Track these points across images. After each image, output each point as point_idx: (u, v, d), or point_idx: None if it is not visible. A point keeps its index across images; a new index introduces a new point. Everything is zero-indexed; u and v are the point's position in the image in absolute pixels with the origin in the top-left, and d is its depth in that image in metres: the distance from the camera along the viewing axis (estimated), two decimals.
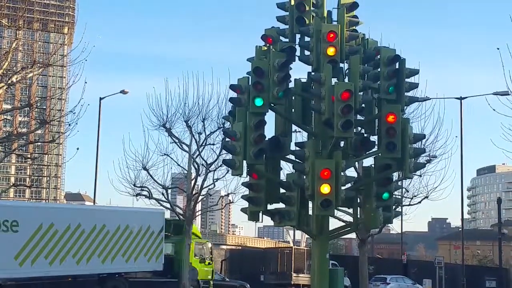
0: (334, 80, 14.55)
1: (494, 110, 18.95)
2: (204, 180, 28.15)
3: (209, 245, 34.67)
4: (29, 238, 24.72)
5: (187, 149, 27.74)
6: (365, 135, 15.75)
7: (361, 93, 14.74)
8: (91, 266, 26.57)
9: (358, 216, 16.26)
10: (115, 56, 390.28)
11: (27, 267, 24.70)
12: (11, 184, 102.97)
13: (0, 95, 22.97)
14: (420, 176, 29.41)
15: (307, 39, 15.32)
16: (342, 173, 14.43)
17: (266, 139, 14.79)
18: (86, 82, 22.96)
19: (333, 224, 17.15)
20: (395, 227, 60.78)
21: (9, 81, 22.18)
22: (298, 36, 15.61)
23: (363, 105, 15.12)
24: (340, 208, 19.18)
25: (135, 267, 28.44)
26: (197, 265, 31.84)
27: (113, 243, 27.17)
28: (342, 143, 15.34)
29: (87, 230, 26.27)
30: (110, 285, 27.71)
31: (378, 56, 15.16)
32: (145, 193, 28.03)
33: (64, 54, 29.09)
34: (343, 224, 21.66)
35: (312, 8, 15.52)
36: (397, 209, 20.53)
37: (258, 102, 14.21)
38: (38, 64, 22.95)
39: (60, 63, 28.70)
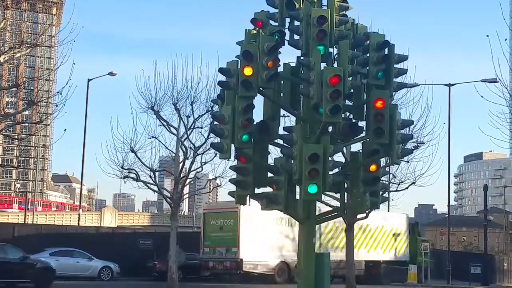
0: (323, 65, 14.55)
1: (482, 97, 19.05)
2: (192, 163, 28.12)
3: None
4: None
5: (175, 132, 27.68)
6: (353, 120, 15.78)
7: (350, 78, 14.74)
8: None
9: (345, 201, 16.34)
10: (104, 37, 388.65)
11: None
12: None
13: None
14: (408, 162, 29.52)
15: (296, 23, 15.29)
16: (329, 158, 14.46)
17: (255, 123, 14.78)
18: (74, 63, 22.81)
19: (320, 208, 17.19)
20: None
21: None
22: (287, 20, 15.58)
23: (352, 90, 15.13)
24: (327, 193, 19.23)
25: (389, 257, 39.81)
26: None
27: (373, 239, 38.58)
28: (330, 128, 15.36)
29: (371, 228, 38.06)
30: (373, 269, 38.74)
31: (368, 42, 15.18)
32: (132, 175, 27.96)
33: (52, 34, 28.84)
34: (330, 208, 21.75)
35: None
36: (384, 195, 20.65)
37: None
38: (26, 45, 22.78)
39: (48, 43, 28.53)
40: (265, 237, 33.40)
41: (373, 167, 15.04)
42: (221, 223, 34.28)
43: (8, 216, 76.94)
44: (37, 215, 76.45)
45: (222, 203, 40.71)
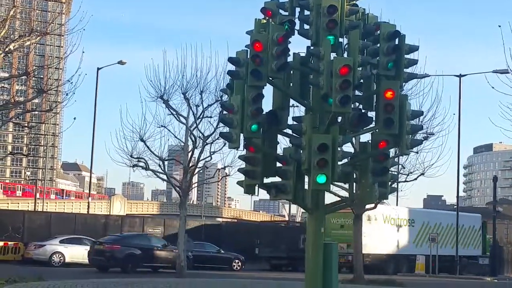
0: (333, 55, 14.51)
1: (493, 88, 19.00)
2: (201, 152, 28.15)
3: None
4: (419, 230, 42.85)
5: (184, 121, 27.71)
6: (363, 110, 15.74)
7: (360, 68, 14.69)
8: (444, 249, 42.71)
9: (354, 191, 16.32)
10: (114, 26, 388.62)
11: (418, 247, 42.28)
12: (8, 152, 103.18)
13: None
14: (417, 153, 29.47)
15: (307, 12, 15.24)
16: (338, 148, 14.44)
17: (264, 112, 14.77)
18: (83, 52, 22.78)
19: (329, 198, 17.19)
20: (390, 203, 60.96)
21: (7, 49, 22.05)
22: (298, 9, 15.53)
23: (362, 80, 15.08)
24: (336, 183, 19.22)
25: (467, 252, 45.35)
26: None
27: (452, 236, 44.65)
28: (339, 118, 15.33)
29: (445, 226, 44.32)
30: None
31: (378, 32, 15.10)
32: (141, 164, 28.03)
33: (62, 23, 28.88)
34: (338, 199, 21.73)
35: None
36: (393, 185, 20.56)
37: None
38: (36, 33, 22.78)
39: (58, 32, 28.54)
40: (378, 234, 40.07)
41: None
42: (342, 222, 39.72)
43: (19, 203, 77.30)
44: (47, 203, 76.79)
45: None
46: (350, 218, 36.42)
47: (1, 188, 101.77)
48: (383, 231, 40.67)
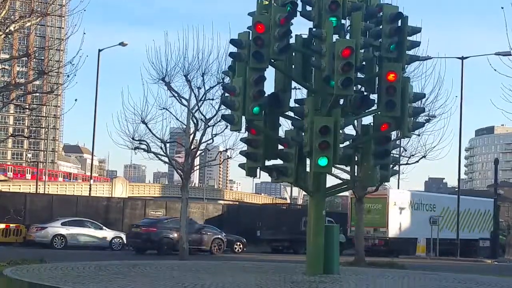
0: (335, 37, 14.44)
1: (495, 70, 18.85)
2: (202, 135, 28.08)
3: None
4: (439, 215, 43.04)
5: (186, 103, 27.62)
6: (365, 93, 15.70)
7: (362, 50, 14.63)
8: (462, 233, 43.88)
9: (356, 174, 16.31)
10: (115, 7, 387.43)
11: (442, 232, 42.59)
12: (9, 134, 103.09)
13: None
14: (419, 135, 29.34)
15: None
16: (340, 131, 14.42)
17: (266, 95, 14.73)
18: (84, 33, 22.62)
19: (330, 181, 17.18)
20: (391, 185, 61.04)
21: (7, 30, 21.89)
22: None
23: (364, 62, 15.03)
24: (337, 165, 19.20)
25: (483, 235, 46.14)
26: None
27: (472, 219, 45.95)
28: (341, 101, 15.29)
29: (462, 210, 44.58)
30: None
31: (381, 13, 15.03)
32: (143, 146, 27.97)
33: (63, 3, 28.70)
34: (340, 181, 21.72)
35: None
36: (394, 168, 20.57)
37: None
38: (36, 14, 22.63)
39: (59, 13, 28.32)
40: (403, 218, 41.65)
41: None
42: (369, 207, 39.98)
43: (20, 186, 77.40)
44: (48, 185, 76.92)
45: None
46: (377, 203, 40.86)
47: (11, 172, 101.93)
48: (408, 216, 42.12)
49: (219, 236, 35.71)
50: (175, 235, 32.00)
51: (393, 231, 40.67)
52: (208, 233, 35.12)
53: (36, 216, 36.86)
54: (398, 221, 41.73)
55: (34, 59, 23.85)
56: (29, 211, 37.66)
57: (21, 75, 27.02)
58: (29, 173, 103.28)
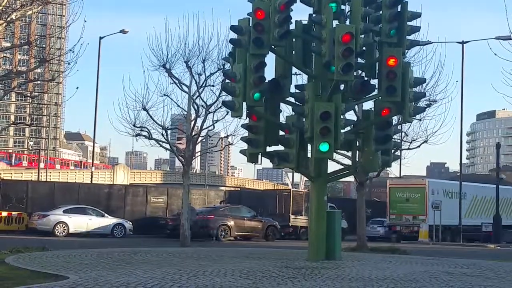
0: (335, 23, 14.43)
1: (495, 54, 18.83)
2: (203, 121, 28.11)
3: None
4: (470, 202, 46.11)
5: (187, 90, 27.63)
6: (365, 78, 15.71)
7: (362, 36, 14.62)
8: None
9: (357, 159, 16.35)
10: None
11: (468, 218, 45.22)
12: (11, 122, 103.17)
13: None
14: (420, 120, 29.35)
15: None
16: (341, 116, 14.44)
17: (266, 81, 14.74)
18: (85, 21, 22.59)
19: (332, 167, 17.26)
20: (393, 170, 61.02)
21: (9, 19, 21.86)
22: None
23: (364, 48, 15.03)
24: (339, 151, 19.24)
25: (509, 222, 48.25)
26: None
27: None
28: (342, 86, 15.31)
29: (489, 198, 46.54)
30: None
31: None
32: (144, 133, 28.01)
33: None
34: (341, 167, 21.77)
35: None
36: (396, 153, 20.62)
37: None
38: (38, 2, 22.60)
39: (60, 1, 28.30)
40: (440, 207, 42.75)
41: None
42: (407, 196, 43.83)
43: (22, 173, 77.51)
44: (50, 172, 77.03)
45: (406, 180, 51.72)
46: (415, 192, 43.75)
47: (25, 160, 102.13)
48: (443, 204, 43.44)
49: (273, 224, 37.86)
50: (232, 222, 35.27)
51: (432, 219, 42.45)
52: (262, 221, 37.23)
53: (38, 204, 36.95)
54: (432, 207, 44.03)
55: (36, 47, 23.85)
56: (31, 198, 37.73)
57: (22, 63, 26.98)
58: (43, 162, 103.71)
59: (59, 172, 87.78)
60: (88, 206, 36.05)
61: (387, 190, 46.00)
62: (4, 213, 35.44)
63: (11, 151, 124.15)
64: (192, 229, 33.63)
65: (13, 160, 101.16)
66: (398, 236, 43.27)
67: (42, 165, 74.78)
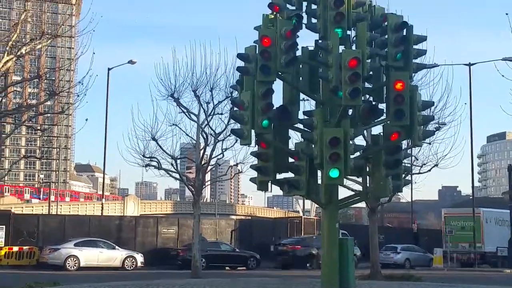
0: (341, 48, 14.43)
1: (503, 76, 18.80)
2: (212, 150, 28.11)
3: None
4: None
5: (195, 118, 27.69)
6: (373, 102, 15.64)
7: (369, 60, 14.60)
8: None
9: (368, 185, 16.22)
10: (123, 26, 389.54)
11: None
12: (22, 155, 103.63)
13: (9, 67, 22.86)
14: (430, 144, 29.18)
15: (314, 6, 15.18)
16: (350, 142, 14.36)
17: (274, 107, 14.71)
18: (94, 53, 22.74)
19: (342, 193, 17.10)
20: (405, 195, 60.67)
21: (19, 53, 22.06)
22: (305, 4, 15.47)
23: (371, 72, 14.99)
24: (349, 177, 19.11)
25: None
26: None
27: None
28: (350, 111, 15.25)
29: None
30: None
31: (386, 23, 15.01)
32: (154, 163, 28.02)
33: (72, 24, 28.87)
34: (352, 193, 21.61)
35: None
36: (406, 178, 20.48)
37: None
38: (47, 35, 22.79)
39: (69, 34, 28.52)
40: (492, 234, 45.84)
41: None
42: (462, 224, 46.50)
43: (33, 207, 77.56)
44: (60, 205, 77.07)
45: (460, 209, 53.88)
46: (470, 220, 45.93)
47: (53, 195, 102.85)
48: (494, 231, 46.80)
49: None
50: (318, 251, 34.82)
51: (488, 245, 45.32)
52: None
53: (49, 238, 36.90)
54: (490, 236, 46.42)
55: (45, 80, 23.99)
56: (42, 232, 37.71)
57: (32, 96, 27.14)
58: (69, 196, 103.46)
59: (69, 205, 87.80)
60: (98, 239, 35.93)
61: (442, 219, 48.76)
62: (15, 248, 35.39)
63: (21, 185, 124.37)
64: (278, 259, 35.49)
65: (41, 195, 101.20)
66: (457, 262, 45.40)
67: (52, 197, 75.04)
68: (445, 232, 45.78)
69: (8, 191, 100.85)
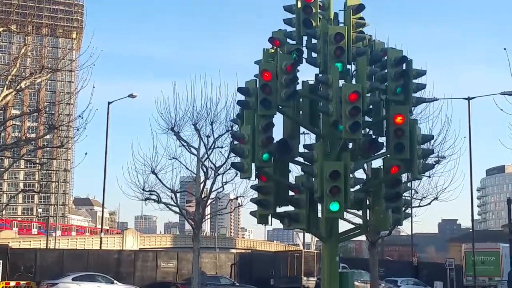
0: (341, 82, 14.53)
1: (501, 110, 18.90)
2: (213, 183, 28.13)
3: None
4: None
5: (195, 152, 27.75)
6: (373, 136, 15.70)
7: (369, 94, 14.69)
8: None
9: (368, 218, 16.20)
10: (123, 59, 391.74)
11: None
12: (20, 189, 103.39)
13: (9, 101, 22.95)
14: (429, 177, 29.24)
15: (314, 41, 15.31)
16: (351, 175, 14.38)
17: (275, 141, 14.76)
18: (94, 87, 22.90)
19: (343, 226, 17.07)
20: (405, 229, 60.52)
21: (18, 87, 22.16)
22: (305, 38, 15.60)
23: (371, 106, 15.08)
24: (349, 210, 19.08)
25: None
26: None
27: None
28: (350, 145, 15.30)
29: None
30: None
31: (385, 57, 15.14)
32: (154, 197, 28.01)
33: (73, 59, 29.09)
34: (352, 226, 21.55)
35: (319, 11, 15.54)
36: (406, 211, 20.46)
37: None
38: (47, 70, 22.92)
39: (69, 68, 28.69)
40: (509, 268, 45.10)
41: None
42: (482, 259, 48.55)
43: (30, 241, 77.12)
44: (59, 239, 76.68)
45: (480, 244, 53.15)
46: (489, 255, 48.64)
47: (59, 230, 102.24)
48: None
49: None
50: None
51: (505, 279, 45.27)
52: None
53: (46, 272, 36.62)
54: (507, 270, 46.25)
55: (45, 114, 24.07)
56: (39, 267, 37.44)
57: (31, 130, 27.21)
58: (75, 231, 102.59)
59: (67, 239, 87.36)
60: (97, 273, 35.66)
61: (462, 254, 50.37)
62: (12, 283, 35.10)
63: (19, 219, 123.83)
64: None
65: (48, 230, 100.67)
66: None
67: (59, 232, 74.51)
68: (465, 267, 47.55)
69: (17, 226, 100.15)
